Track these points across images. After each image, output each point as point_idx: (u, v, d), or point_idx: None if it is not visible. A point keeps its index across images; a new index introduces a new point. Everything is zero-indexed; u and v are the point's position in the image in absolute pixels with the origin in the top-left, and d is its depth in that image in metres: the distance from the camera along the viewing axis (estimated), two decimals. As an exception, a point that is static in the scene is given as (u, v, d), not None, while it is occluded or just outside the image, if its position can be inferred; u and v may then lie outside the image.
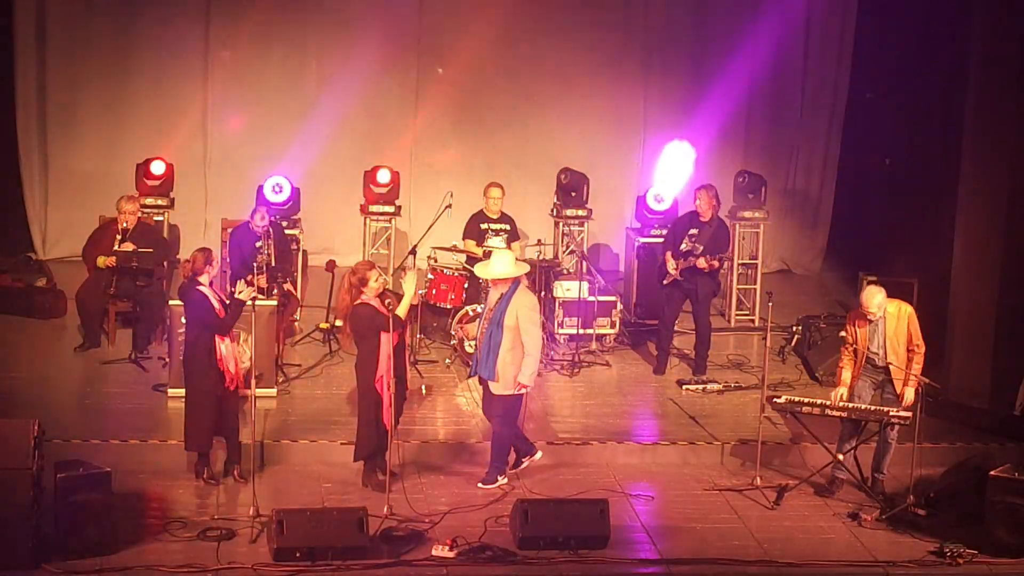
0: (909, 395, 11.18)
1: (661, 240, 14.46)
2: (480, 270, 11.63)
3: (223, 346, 10.87)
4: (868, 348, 11.32)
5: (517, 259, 11.88)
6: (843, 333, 11.44)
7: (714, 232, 13.53)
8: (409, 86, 17.00)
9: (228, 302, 11.02)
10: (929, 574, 10.19)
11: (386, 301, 10.80)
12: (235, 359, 10.96)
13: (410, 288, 10.91)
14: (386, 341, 10.74)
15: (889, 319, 11.26)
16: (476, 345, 11.25)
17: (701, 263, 13.38)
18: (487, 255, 13.64)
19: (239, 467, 11.05)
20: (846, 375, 11.39)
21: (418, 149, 17.08)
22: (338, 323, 13.69)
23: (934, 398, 12.03)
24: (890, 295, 11.43)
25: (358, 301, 10.85)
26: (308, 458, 11.47)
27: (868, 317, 11.25)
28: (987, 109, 12.92)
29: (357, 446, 10.97)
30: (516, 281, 11.19)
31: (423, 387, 12.69)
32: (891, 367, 11.26)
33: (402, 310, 10.81)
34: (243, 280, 11.31)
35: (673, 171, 15.59)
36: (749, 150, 17.55)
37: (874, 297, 11.23)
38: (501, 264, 11.21)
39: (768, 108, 17.66)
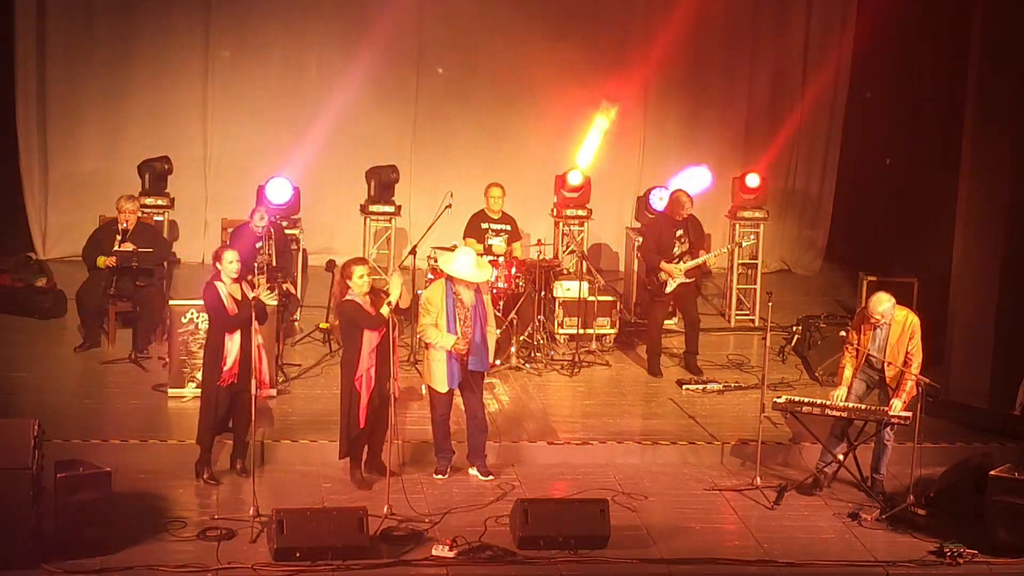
0: (897, 406, 11.17)
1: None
2: (461, 271, 11.12)
3: (230, 343, 10.84)
4: (869, 350, 11.33)
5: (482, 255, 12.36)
6: (843, 333, 11.44)
7: (695, 226, 13.75)
8: (409, 86, 17.00)
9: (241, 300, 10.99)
10: (929, 574, 10.19)
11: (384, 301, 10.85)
12: (235, 356, 10.87)
13: (395, 289, 10.84)
14: (368, 339, 10.78)
15: (894, 326, 11.25)
16: (460, 348, 11.06)
17: (722, 252, 14.00)
18: (487, 252, 13.65)
19: (242, 461, 11.06)
20: (848, 374, 11.39)
21: (418, 149, 17.08)
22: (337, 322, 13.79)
23: (934, 398, 12.03)
24: (890, 295, 11.42)
25: (345, 297, 10.88)
26: (308, 458, 11.47)
27: (873, 322, 11.25)
28: (987, 109, 12.92)
29: (340, 442, 11.08)
30: None
31: (423, 387, 12.68)
32: (886, 374, 11.28)
33: (383, 310, 10.81)
34: (268, 285, 11.39)
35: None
36: (749, 150, 17.54)
37: (881, 304, 11.21)
38: (477, 265, 11.19)
39: (768, 108, 17.66)
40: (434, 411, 11.28)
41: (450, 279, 11.13)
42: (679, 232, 13.63)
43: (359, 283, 10.85)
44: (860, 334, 11.37)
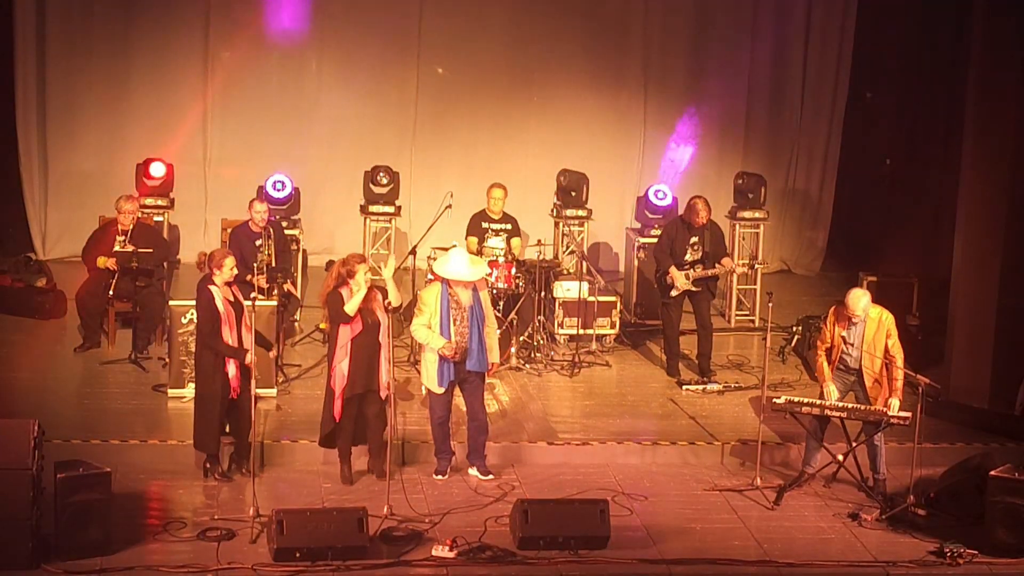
0: (895, 405, 11.17)
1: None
2: (456, 272, 11.10)
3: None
4: (843, 347, 11.31)
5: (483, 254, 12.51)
6: (820, 335, 11.47)
7: (713, 235, 13.57)
8: (409, 86, 17.00)
9: (236, 300, 10.99)
10: (929, 574, 10.19)
11: (385, 300, 10.86)
12: (236, 367, 10.90)
13: (389, 272, 10.94)
14: (342, 333, 10.86)
15: (869, 323, 11.26)
16: (447, 353, 11.04)
17: (740, 269, 14.12)
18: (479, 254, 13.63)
19: (245, 462, 11.06)
20: (827, 370, 11.40)
21: (418, 149, 17.09)
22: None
23: (934, 398, 12.03)
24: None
25: (339, 290, 10.92)
26: (308, 458, 11.46)
27: (852, 319, 11.26)
28: (987, 108, 12.91)
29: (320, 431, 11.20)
30: None
31: (423, 387, 12.68)
32: (864, 371, 11.29)
33: (351, 306, 10.85)
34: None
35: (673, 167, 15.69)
36: (749, 150, 17.55)
37: (860, 300, 11.23)
38: (471, 263, 11.16)
39: (768, 108, 17.67)
40: (433, 412, 11.28)
41: (446, 281, 11.12)
42: (693, 239, 13.50)
43: (362, 280, 10.88)
44: (833, 332, 11.38)
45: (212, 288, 10.92)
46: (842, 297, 11.46)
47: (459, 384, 11.22)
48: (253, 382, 10.56)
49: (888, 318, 11.30)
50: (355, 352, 10.88)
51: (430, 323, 11.07)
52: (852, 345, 11.31)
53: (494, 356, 11.33)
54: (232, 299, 11.00)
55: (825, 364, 11.41)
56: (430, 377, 11.16)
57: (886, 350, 11.22)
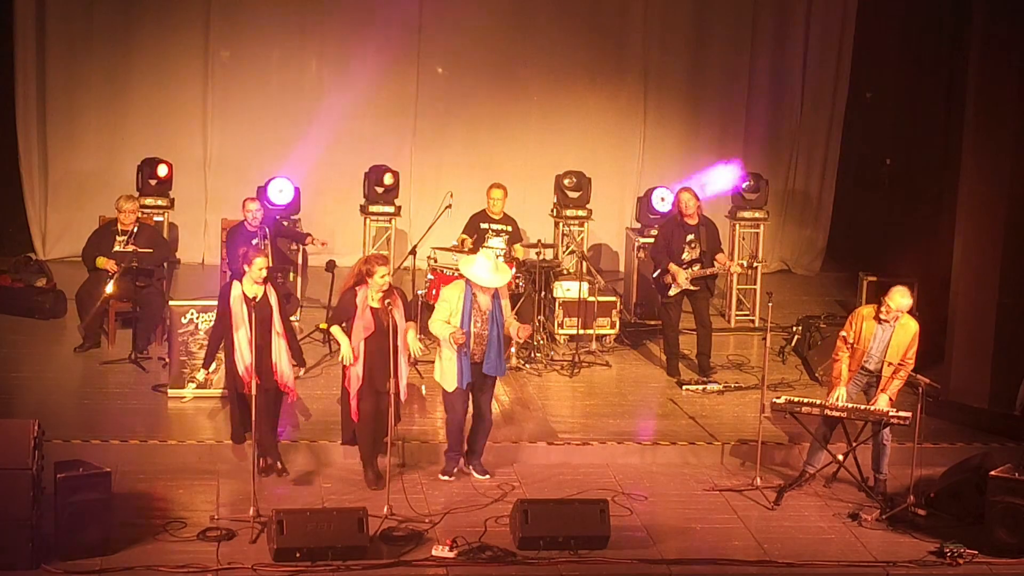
0: (883, 401, 11.19)
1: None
2: (477, 276, 11.01)
3: (240, 350, 10.83)
4: (868, 349, 11.31)
5: (503, 260, 12.33)
6: (843, 333, 11.42)
7: (708, 232, 13.53)
8: (409, 86, 17.00)
9: (266, 302, 10.98)
10: (929, 574, 10.20)
11: (386, 301, 10.84)
12: (247, 362, 10.83)
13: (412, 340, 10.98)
14: (355, 334, 10.84)
15: (898, 329, 11.25)
16: (471, 351, 11.02)
17: (736, 268, 13.92)
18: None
19: (279, 461, 11.06)
20: (846, 372, 11.37)
21: (418, 149, 17.09)
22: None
23: (934, 398, 12.03)
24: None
25: (356, 288, 10.89)
26: (308, 458, 11.47)
27: (884, 316, 11.21)
28: (987, 109, 12.92)
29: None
30: None
31: (423, 387, 12.69)
32: (884, 374, 11.29)
33: (344, 347, 10.86)
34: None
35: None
36: (749, 150, 17.55)
37: (904, 297, 11.19)
38: (495, 270, 11.09)
39: (768, 108, 17.67)
40: (453, 412, 11.17)
41: (469, 280, 11.08)
42: (690, 237, 13.43)
43: (380, 282, 10.86)
44: (860, 332, 11.36)
45: (235, 283, 10.97)
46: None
47: (473, 385, 11.18)
48: (254, 383, 10.52)
49: (914, 326, 11.30)
50: (368, 353, 10.86)
51: (450, 320, 11.04)
52: (875, 348, 11.30)
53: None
54: (260, 299, 10.94)
55: (844, 368, 11.38)
56: (446, 376, 11.09)
57: (903, 356, 11.23)
